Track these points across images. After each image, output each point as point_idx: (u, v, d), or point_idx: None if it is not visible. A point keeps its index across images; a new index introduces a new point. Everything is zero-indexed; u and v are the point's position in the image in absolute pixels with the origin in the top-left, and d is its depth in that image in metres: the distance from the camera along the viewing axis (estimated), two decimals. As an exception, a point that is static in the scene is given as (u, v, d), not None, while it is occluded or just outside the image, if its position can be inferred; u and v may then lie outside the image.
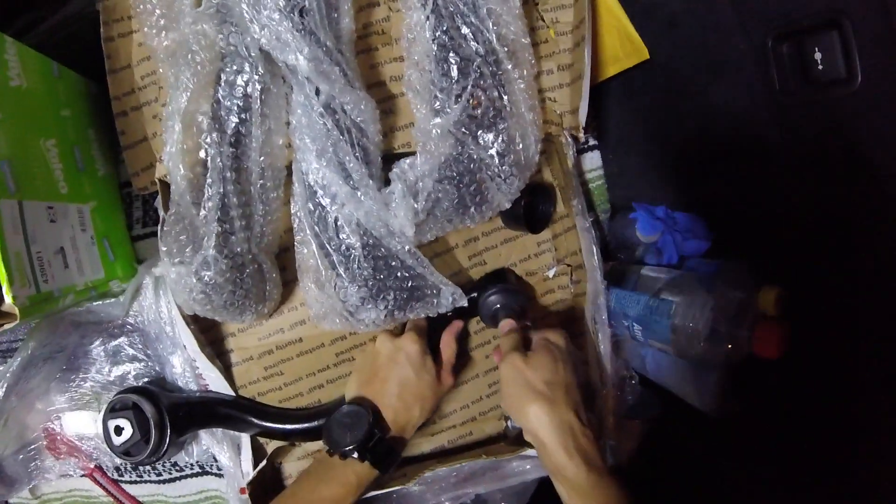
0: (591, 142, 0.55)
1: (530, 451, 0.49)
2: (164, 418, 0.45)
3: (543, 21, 0.44)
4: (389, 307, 0.45)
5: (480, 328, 0.54)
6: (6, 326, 0.36)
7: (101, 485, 0.57)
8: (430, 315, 0.48)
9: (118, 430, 0.45)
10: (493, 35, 0.40)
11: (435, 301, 0.47)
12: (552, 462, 0.40)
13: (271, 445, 0.52)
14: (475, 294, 0.50)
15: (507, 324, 0.47)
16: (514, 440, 0.54)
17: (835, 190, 0.37)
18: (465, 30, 0.41)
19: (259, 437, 0.51)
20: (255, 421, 0.49)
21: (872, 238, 0.36)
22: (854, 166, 0.34)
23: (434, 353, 0.48)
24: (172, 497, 0.58)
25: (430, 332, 0.49)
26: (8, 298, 0.35)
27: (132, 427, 0.45)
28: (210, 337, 0.51)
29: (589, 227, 0.47)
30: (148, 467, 0.57)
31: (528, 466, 0.51)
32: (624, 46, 0.45)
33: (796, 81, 0.35)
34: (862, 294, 0.37)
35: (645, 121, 0.50)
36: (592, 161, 0.55)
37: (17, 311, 0.35)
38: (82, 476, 0.57)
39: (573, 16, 0.44)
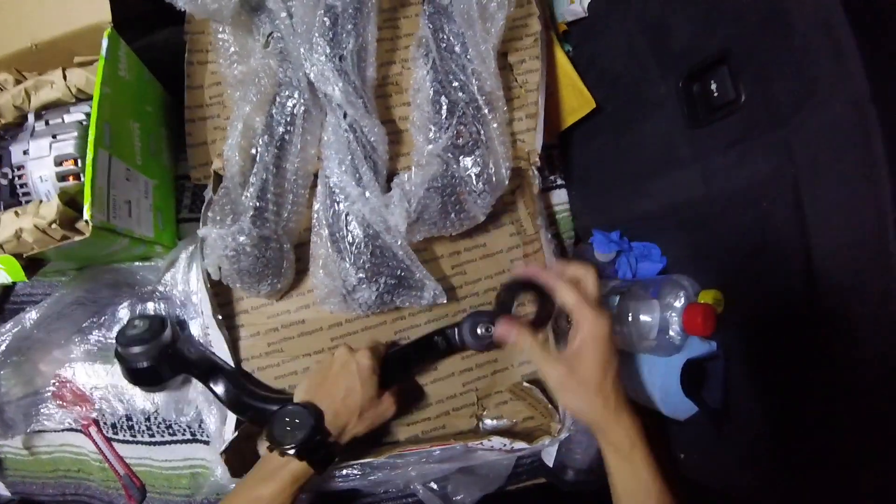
0: (559, 181, 0.69)
1: (496, 441, 0.55)
2: (174, 343, 0.54)
3: (517, 82, 0.60)
4: (380, 290, 0.55)
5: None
6: (77, 238, 0.46)
7: (94, 440, 0.62)
8: (414, 305, 0.59)
9: (132, 325, 0.54)
10: (475, 87, 0.55)
11: (419, 293, 0.57)
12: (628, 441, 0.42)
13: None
14: (452, 330, 0.57)
15: (506, 328, 0.47)
16: (482, 435, 0.60)
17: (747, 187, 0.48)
18: (455, 83, 0.56)
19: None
20: (225, 379, 0.54)
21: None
22: (752, 168, 0.46)
23: (386, 380, 0.53)
24: (158, 461, 0.63)
25: (389, 363, 0.55)
26: (87, 215, 0.45)
27: (146, 326, 0.54)
28: (226, 311, 0.60)
29: (550, 240, 0.58)
30: (143, 427, 0.63)
31: (494, 455, 0.57)
32: (577, 99, 0.60)
33: (702, 109, 0.49)
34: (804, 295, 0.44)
35: (598, 158, 0.65)
36: (560, 197, 0.69)
37: (90, 228, 0.45)
38: (77, 431, 0.63)
39: (538, 77, 0.60)
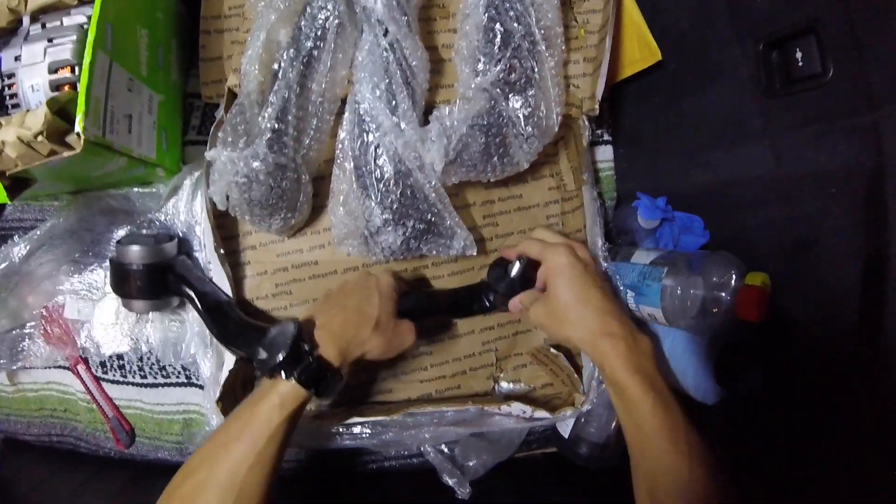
0: (606, 136, 0.63)
1: (515, 407, 0.52)
2: (175, 258, 0.51)
3: (577, 21, 0.54)
4: (407, 234, 0.50)
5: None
6: (66, 154, 0.40)
7: (81, 378, 0.57)
8: (441, 255, 0.53)
9: (137, 232, 0.51)
10: (534, 19, 0.49)
11: (448, 242, 0.52)
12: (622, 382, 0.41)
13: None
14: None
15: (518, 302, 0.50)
16: (500, 399, 0.57)
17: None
18: (511, 12, 0.49)
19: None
20: (220, 308, 0.50)
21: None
22: (829, 150, 0.42)
23: (405, 310, 0.49)
24: (149, 404, 0.58)
25: (411, 297, 0.51)
26: (79, 128, 0.39)
27: (152, 233, 0.51)
28: (231, 246, 0.54)
29: (595, 198, 0.53)
30: (135, 367, 0.58)
31: (510, 422, 0.53)
32: (641, 50, 0.54)
33: (781, 79, 0.44)
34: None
35: (653, 119, 0.59)
36: (605, 154, 0.63)
37: (82, 142, 0.39)
38: (65, 369, 0.58)
39: (601, 19, 0.53)
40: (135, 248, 0.49)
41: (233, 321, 0.49)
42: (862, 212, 0.40)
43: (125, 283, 0.49)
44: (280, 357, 0.40)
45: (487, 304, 0.53)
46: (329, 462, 0.58)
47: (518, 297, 0.50)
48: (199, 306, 0.49)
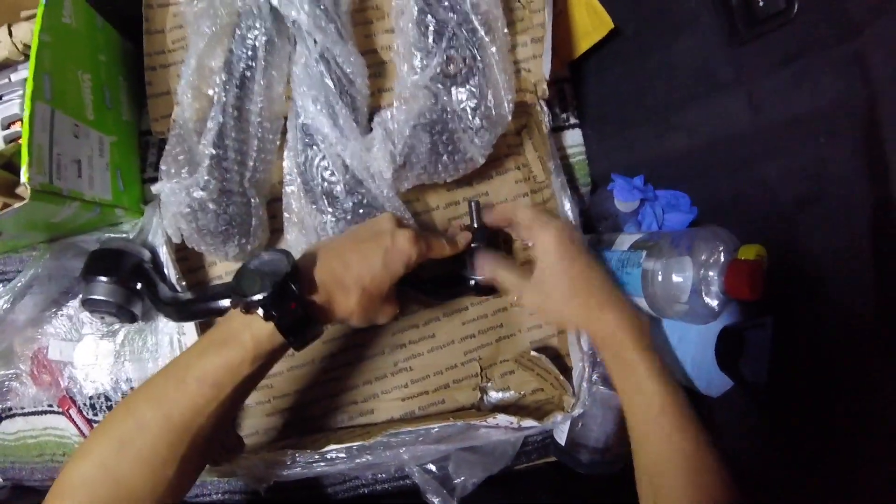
0: (572, 120, 0.59)
1: (501, 419, 0.48)
2: (146, 262, 0.51)
3: (520, 2, 0.50)
4: (363, 247, 0.48)
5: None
6: (17, 205, 0.40)
7: (74, 422, 0.58)
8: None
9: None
10: (469, 5, 0.46)
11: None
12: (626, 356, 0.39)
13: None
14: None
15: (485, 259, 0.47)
16: (487, 411, 0.54)
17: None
18: (445, 1, 0.47)
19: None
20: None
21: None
22: (813, 89, 0.37)
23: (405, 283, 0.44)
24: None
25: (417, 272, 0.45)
26: (24, 177, 0.39)
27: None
28: (197, 277, 0.54)
29: (565, 185, 0.49)
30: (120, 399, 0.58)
31: (499, 434, 0.49)
32: (592, 20, 0.50)
33: (744, 22, 0.40)
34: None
35: (618, 90, 0.55)
36: (574, 138, 0.59)
37: (29, 191, 0.40)
38: (58, 413, 0.59)
39: (544, -4, 0.50)
40: (106, 237, 0.51)
41: (193, 301, 0.48)
42: (862, 154, 0.35)
43: (96, 263, 0.50)
44: (265, 292, 0.34)
45: (472, 283, 0.50)
46: (317, 487, 0.56)
47: (504, 271, 0.46)
48: (156, 294, 0.50)
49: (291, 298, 0.35)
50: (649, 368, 0.38)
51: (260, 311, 0.34)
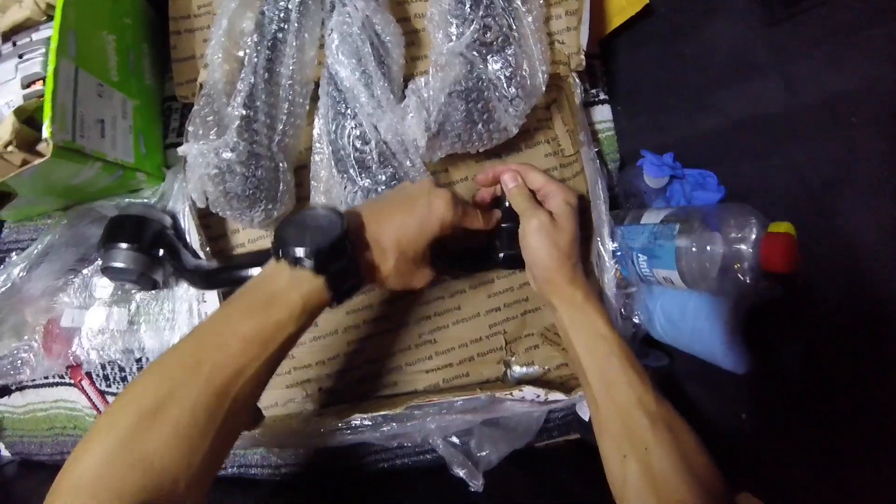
0: (602, 95, 0.59)
1: (528, 391, 0.48)
2: (169, 228, 0.51)
3: (555, -28, 0.50)
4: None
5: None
6: (37, 161, 0.39)
7: (86, 394, 0.57)
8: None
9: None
10: (507, -27, 0.46)
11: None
12: (588, 322, 0.42)
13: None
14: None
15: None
16: (512, 384, 0.53)
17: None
18: (482, -31, 0.46)
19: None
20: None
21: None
22: (845, 71, 0.37)
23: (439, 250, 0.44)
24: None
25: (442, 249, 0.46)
26: (46, 133, 0.38)
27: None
28: (220, 245, 0.53)
29: (594, 158, 0.49)
30: (135, 369, 0.57)
31: (524, 406, 0.50)
32: None
33: (781, 2, 0.39)
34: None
35: (650, 70, 0.54)
36: (603, 114, 0.59)
37: (51, 147, 0.39)
38: (70, 385, 0.57)
39: (580, -34, 0.50)
40: (134, 202, 0.51)
41: (222, 269, 0.48)
42: (893, 137, 0.35)
43: (116, 229, 0.49)
44: (320, 244, 0.33)
45: (500, 256, 0.49)
46: (335, 462, 0.56)
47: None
48: (180, 261, 0.49)
49: (344, 255, 0.35)
50: (608, 322, 0.42)
51: (308, 264, 0.33)
